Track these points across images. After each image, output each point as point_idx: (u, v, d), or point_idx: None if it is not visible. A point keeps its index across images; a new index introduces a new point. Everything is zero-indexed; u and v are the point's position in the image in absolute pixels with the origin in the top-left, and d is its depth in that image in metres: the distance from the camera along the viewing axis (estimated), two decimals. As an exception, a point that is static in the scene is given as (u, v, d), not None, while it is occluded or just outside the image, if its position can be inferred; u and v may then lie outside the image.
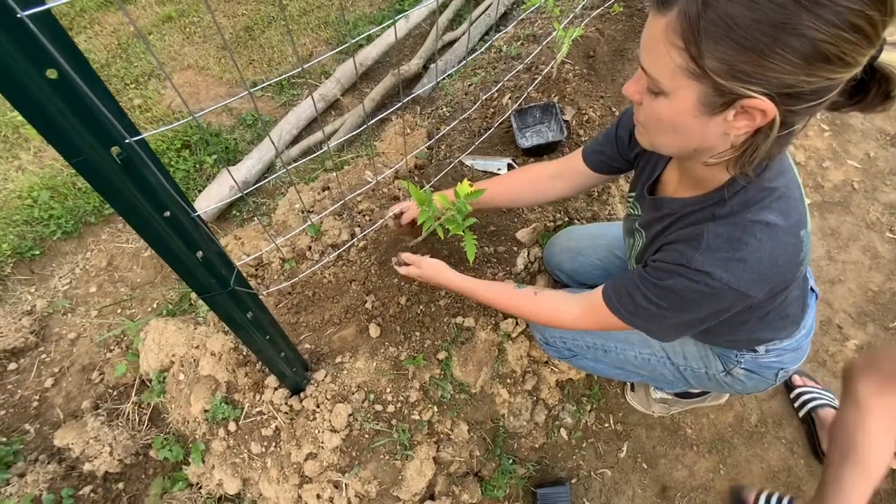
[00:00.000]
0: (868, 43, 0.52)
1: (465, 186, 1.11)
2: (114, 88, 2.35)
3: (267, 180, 1.51)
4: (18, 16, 0.39)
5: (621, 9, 2.15)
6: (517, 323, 1.44)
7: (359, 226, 1.50)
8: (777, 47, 0.52)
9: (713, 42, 0.54)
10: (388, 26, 2.34)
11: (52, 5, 0.40)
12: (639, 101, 0.69)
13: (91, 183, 0.53)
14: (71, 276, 1.90)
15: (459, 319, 1.40)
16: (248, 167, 1.97)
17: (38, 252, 1.90)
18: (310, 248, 1.50)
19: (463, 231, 1.05)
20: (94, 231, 2.00)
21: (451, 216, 1.03)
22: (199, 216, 0.66)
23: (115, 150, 0.52)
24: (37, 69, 0.43)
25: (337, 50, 1.30)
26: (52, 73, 0.43)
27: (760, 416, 1.62)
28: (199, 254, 0.70)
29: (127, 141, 0.52)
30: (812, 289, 1.10)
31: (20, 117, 2.28)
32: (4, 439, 1.46)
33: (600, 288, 0.93)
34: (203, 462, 1.32)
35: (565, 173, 1.15)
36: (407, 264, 1.17)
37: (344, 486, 1.21)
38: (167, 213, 0.61)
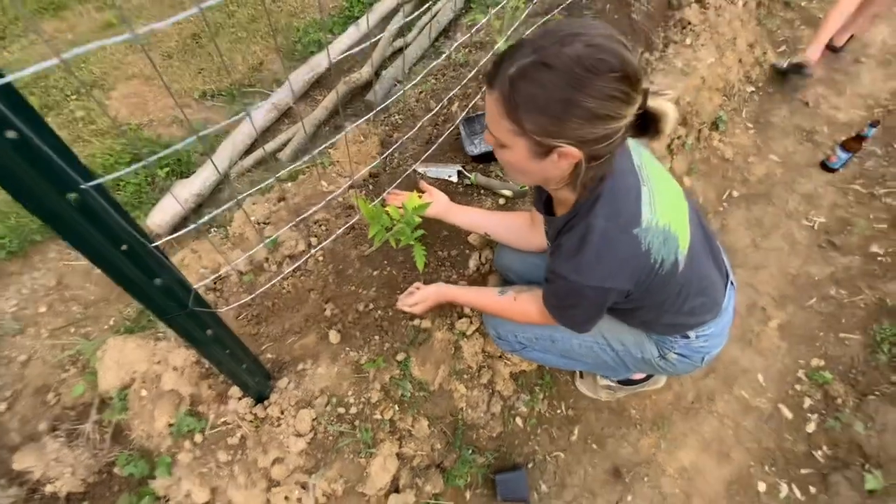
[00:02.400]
0: (628, 103, 0.77)
1: (413, 199, 1.18)
2: (53, 100, 2.28)
3: (224, 207, 1.53)
4: (-22, 89, 0.44)
5: (562, 17, 2.26)
6: (471, 321, 1.53)
7: (315, 236, 1.55)
8: (567, 115, 0.76)
9: (525, 113, 0.78)
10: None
11: (12, 78, 0.45)
12: (495, 150, 0.90)
13: (50, 226, 0.57)
14: (18, 296, 1.85)
15: (417, 322, 1.48)
16: (201, 180, 1.97)
17: (-19, 274, 1.84)
18: (267, 259, 1.54)
19: (412, 241, 1.12)
20: (40, 249, 1.95)
21: (401, 228, 1.10)
22: (156, 246, 0.71)
23: (71, 196, 0.56)
24: (-4, 132, 0.47)
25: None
26: (11, 134, 0.48)
27: (696, 393, 1.78)
28: (157, 281, 0.74)
29: (83, 186, 0.56)
30: (731, 282, 1.24)
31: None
32: (-42, 468, 1.44)
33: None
34: (170, 474, 1.35)
35: (535, 220, 1.34)
36: (412, 303, 1.30)
37: (311, 486, 1.27)
38: (124, 247, 0.66)
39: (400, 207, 1.17)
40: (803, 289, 2.04)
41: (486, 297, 1.26)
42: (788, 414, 1.74)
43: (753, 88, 2.68)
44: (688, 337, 1.21)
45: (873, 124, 2.16)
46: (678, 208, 1.01)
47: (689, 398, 1.77)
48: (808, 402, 1.75)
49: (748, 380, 1.81)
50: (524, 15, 1.82)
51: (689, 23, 2.29)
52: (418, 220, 1.12)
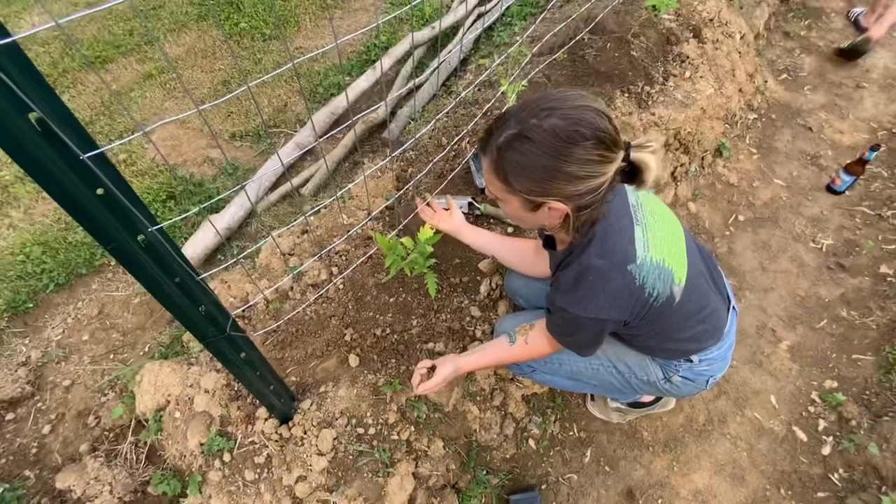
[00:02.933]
0: (605, 162, 0.85)
1: (426, 231, 1.29)
2: (99, 144, 2.49)
3: (258, 243, 1.66)
4: (81, 158, 0.56)
5: (565, 56, 2.40)
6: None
7: (336, 266, 1.66)
8: (550, 179, 0.86)
9: (513, 177, 0.89)
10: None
11: (106, 148, 0.57)
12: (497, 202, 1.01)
13: (119, 262, 0.69)
14: (63, 325, 2.00)
15: (431, 345, 1.56)
16: (230, 214, 2.12)
17: (31, 305, 2.00)
18: (292, 288, 1.66)
19: (425, 270, 1.22)
20: (84, 282, 2.11)
21: (415, 258, 1.21)
22: (203, 279, 0.82)
23: (140, 237, 0.68)
24: (90, 189, 0.59)
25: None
26: (100, 191, 0.60)
27: (707, 415, 1.80)
28: (202, 308, 0.85)
29: (150, 230, 0.68)
30: (733, 307, 1.30)
31: (8, 177, 2.39)
32: (8, 485, 1.55)
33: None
34: (200, 493, 1.43)
35: (540, 249, 1.40)
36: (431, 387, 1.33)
37: (332, 503, 1.34)
38: (178, 279, 0.77)
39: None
40: (813, 310, 2.06)
41: (500, 353, 1.29)
42: (803, 436, 1.74)
43: (756, 115, 2.76)
44: (691, 361, 1.26)
45: (874, 148, 2.21)
46: (674, 243, 1.08)
47: (700, 420, 1.79)
48: (822, 425, 1.75)
49: (760, 401, 1.82)
50: (528, 58, 1.96)
51: (688, 57, 2.40)
52: (430, 249, 1.22)
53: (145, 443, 1.60)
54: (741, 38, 2.72)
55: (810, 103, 2.83)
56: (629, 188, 1.09)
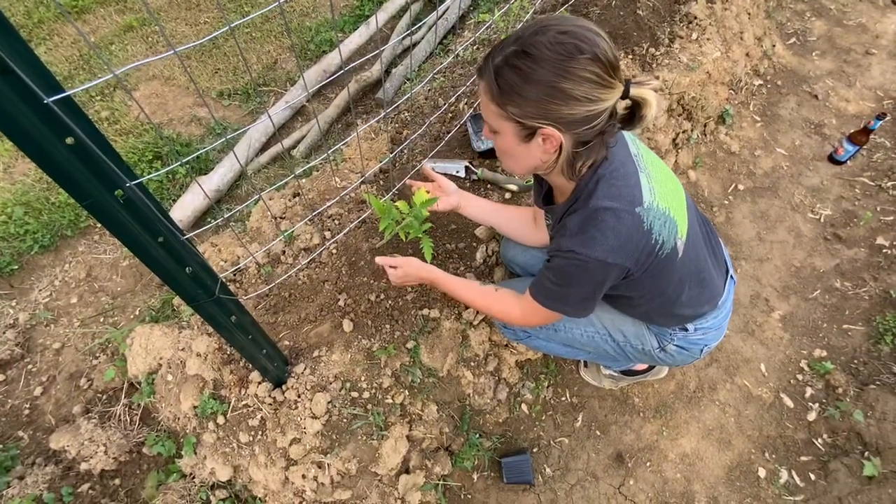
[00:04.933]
0: (606, 87, 0.83)
1: (422, 194, 1.24)
2: (79, 101, 2.38)
3: (245, 204, 1.61)
4: (45, 102, 0.51)
5: (567, 13, 2.30)
6: (478, 312, 1.59)
7: (328, 230, 1.62)
8: (547, 98, 0.83)
9: (508, 98, 0.85)
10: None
11: (71, 92, 0.52)
12: (490, 139, 0.98)
13: (99, 220, 0.65)
14: (51, 288, 1.96)
15: (426, 311, 1.55)
16: (219, 176, 2.05)
17: (16, 267, 1.95)
18: (283, 252, 1.62)
19: (420, 235, 1.18)
20: (70, 244, 2.06)
21: (410, 222, 1.17)
22: (187, 238, 0.78)
23: (118, 192, 0.64)
24: (58, 138, 0.55)
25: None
26: (70, 140, 0.55)
27: (698, 382, 1.83)
28: (188, 269, 0.82)
29: (128, 184, 0.64)
30: (731, 276, 1.29)
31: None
32: (1, 446, 1.55)
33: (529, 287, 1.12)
34: (195, 454, 1.44)
35: (538, 217, 1.39)
36: (396, 277, 1.31)
37: (326, 465, 1.35)
38: (161, 239, 0.73)
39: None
40: (807, 281, 2.06)
41: (468, 285, 1.27)
42: (790, 403, 1.77)
43: (761, 81, 2.68)
44: (686, 329, 1.25)
45: (880, 117, 2.16)
46: (676, 196, 1.05)
47: (691, 387, 1.81)
48: (809, 392, 1.78)
49: (750, 370, 1.84)
50: (530, 14, 1.86)
51: (696, 17, 2.30)
52: (426, 213, 1.18)
53: (139, 405, 1.60)
54: (751, -2, 2.61)
55: (818, 70, 2.75)
56: (629, 138, 1.05)
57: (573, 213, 0.98)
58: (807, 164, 2.42)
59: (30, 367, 1.78)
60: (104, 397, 1.67)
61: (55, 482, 1.48)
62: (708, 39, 2.29)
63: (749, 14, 2.59)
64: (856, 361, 1.82)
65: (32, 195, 2.08)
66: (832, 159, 2.39)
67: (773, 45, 2.77)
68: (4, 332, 1.81)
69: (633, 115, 0.90)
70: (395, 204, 1.24)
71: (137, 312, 1.87)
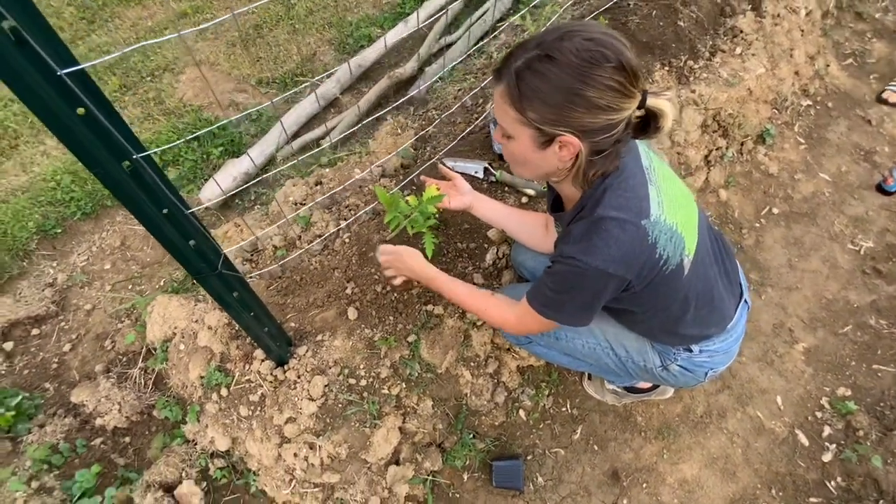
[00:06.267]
0: (627, 97, 0.82)
1: (431, 190, 1.26)
2: (131, 81, 2.53)
3: (269, 173, 1.67)
4: (58, 74, 0.55)
5: (606, 21, 2.26)
6: (482, 313, 1.59)
7: (344, 219, 1.66)
8: (568, 104, 0.82)
9: (528, 103, 0.84)
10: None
11: (83, 66, 0.56)
12: (502, 144, 0.96)
13: (107, 187, 0.70)
14: (88, 253, 2.10)
15: (430, 307, 1.56)
16: (249, 160, 2.14)
17: (59, 230, 2.10)
18: (299, 237, 1.67)
19: (424, 229, 1.20)
20: (109, 213, 2.19)
21: (415, 217, 1.19)
22: (192, 212, 0.83)
23: (125, 163, 0.68)
24: (70, 108, 0.59)
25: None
26: (80, 111, 0.60)
27: (707, 407, 1.76)
28: (192, 242, 0.86)
29: (135, 156, 0.68)
30: (745, 300, 1.24)
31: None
32: (28, 394, 1.67)
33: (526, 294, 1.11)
34: (198, 422, 1.51)
35: (550, 224, 1.39)
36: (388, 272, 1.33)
37: (318, 447, 1.39)
38: (165, 210, 0.78)
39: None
40: (839, 315, 1.95)
41: (465, 287, 1.25)
42: (804, 440, 1.68)
43: (810, 102, 2.55)
44: (690, 350, 1.21)
45: (936, 147, 2.02)
46: (687, 212, 1.03)
47: (698, 412, 1.75)
48: (827, 431, 1.69)
49: (765, 401, 1.76)
50: (562, 18, 1.84)
51: (741, 31, 2.22)
52: (433, 209, 1.20)
53: (153, 370, 1.69)
54: (807, 14, 2.49)
55: (874, 94, 2.59)
56: (642, 151, 1.03)
57: (579, 220, 0.97)
58: (851, 192, 2.28)
59: (62, 324, 1.91)
60: (124, 359, 1.77)
61: (71, 433, 1.59)
62: (753, 55, 2.21)
63: (802, 31, 2.47)
64: (882, 404, 1.71)
65: (80, 165, 2.22)
66: (880, 189, 2.25)
67: (827, 65, 2.63)
68: (43, 290, 1.95)
69: (647, 124, 0.89)
70: (406, 198, 1.26)
71: (162, 283, 1.98)
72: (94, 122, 0.62)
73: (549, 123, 0.85)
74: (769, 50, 2.27)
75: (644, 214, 0.92)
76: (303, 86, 2.40)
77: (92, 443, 1.58)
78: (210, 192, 2.04)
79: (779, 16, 2.35)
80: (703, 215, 1.12)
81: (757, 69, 2.16)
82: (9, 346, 1.82)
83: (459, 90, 2.22)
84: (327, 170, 1.97)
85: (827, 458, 1.63)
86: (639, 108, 0.85)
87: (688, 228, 1.00)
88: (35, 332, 1.87)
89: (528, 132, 0.88)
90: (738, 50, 2.19)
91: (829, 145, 2.44)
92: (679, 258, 0.98)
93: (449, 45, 2.61)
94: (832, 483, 1.59)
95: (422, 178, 1.52)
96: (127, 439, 1.61)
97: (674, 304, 1.08)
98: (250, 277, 1.50)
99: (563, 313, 1.05)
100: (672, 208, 0.97)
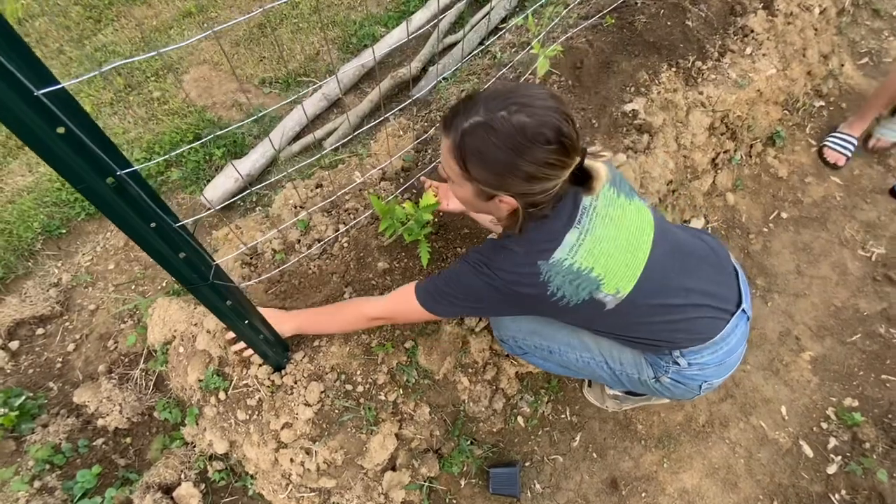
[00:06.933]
0: (562, 167, 0.89)
1: (428, 197, 1.24)
2: (135, 81, 2.53)
3: (272, 179, 1.66)
4: (35, 94, 0.55)
5: (613, 20, 2.22)
6: (480, 319, 1.58)
7: (344, 223, 1.65)
8: (507, 174, 0.89)
9: (471, 164, 0.91)
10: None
11: (61, 86, 0.56)
12: (447, 182, 1.04)
13: (92, 203, 0.69)
14: (93, 253, 2.11)
15: (428, 313, 1.55)
16: (252, 161, 2.14)
17: (64, 231, 2.11)
18: (298, 241, 1.67)
19: (419, 237, 1.19)
20: (114, 213, 2.20)
21: (411, 226, 1.17)
22: (181, 225, 0.82)
23: (109, 180, 0.67)
24: (50, 127, 0.58)
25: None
26: (61, 130, 0.59)
27: (709, 417, 1.74)
28: (182, 254, 0.86)
29: (119, 173, 0.67)
30: (743, 310, 1.21)
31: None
32: (31, 394, 1.69)
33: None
34: (197, 424, 1.52)
35: None
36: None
37: (314, 452, 1.39)
38: (153, 224, 0.77)
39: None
40: (847, 323, 1.91)
41: (324, 308, 1.40)
42: (809, 452, 1.66)
43: (823, 103, 2.49)
44: (678, 364, 1.19)
45: (953, 152, 1.96)
46: (627, 254, 1.02)
47: (700, 421, 1.73)
48: (832, 443, 1.66)
49: (769, 411, 1.74)
50: (567, 18, 1.81)
51: (752, 30, 2.17)
52: (428, 217, 1.18)
53: (154, 371, 1.70)
54: (821, 12, 2.42)
55: (890, 94, 2.52)
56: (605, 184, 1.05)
57: (498, 238, 1.09)
58: (864, 197, 2.23)
59: (67, 324, 1.93)
60: (126, 360, 1.79)
61: (74, 433, 1.60)
62: (764, 55, 2.15)
63: (816, 29, 2.40)
64: (890, 416, 1.67)
65: (85, 165, 2.24)
66: (894, 193, 2.19)
67: (842, 65, 2.56)
68: (48, 290, 1.97)
69: (581, 178, 0.94)
70: (403, 205, 1.25)
71: (164, 284, 1.99)
72: (76, 140, 0.61)
73: (490, 186, 0.92)
74: (781, 50, 2.22)
75: (543, 256, 0.98)
76: (310, 89, 2.39)
77: (93, 443, 1.60)
78: (211, 194, 2.04)
79: (792, 14, 2.29)
80: (682, 241, 1.13)
81: (768, 70, 2.11)
82: (14, 345, 1.84)
83: (462, 91, 2.20)
84: (328, 172, 1.96)
85: (832, 470, 1.61)
86: (577, 166, 0.91)
87: (620, 270, 1.02)
88: (40, 331, 1.90)
89: (471, 187, 0.95)
90: (749, 50, 2.13)
91: (842, 147, 2.38)
92: (587, 296, 1.02)
93: (452, 46, 2.58)
94: (836, 496, 1.56)
95: (421, 178, 1.53)
96: (128, 440, 1.63)
97: (625, 324, 1.12)
98: (247, 284, 1.50)
99: (439, 305, 1.12)
100: (591, 254, 0.99)
